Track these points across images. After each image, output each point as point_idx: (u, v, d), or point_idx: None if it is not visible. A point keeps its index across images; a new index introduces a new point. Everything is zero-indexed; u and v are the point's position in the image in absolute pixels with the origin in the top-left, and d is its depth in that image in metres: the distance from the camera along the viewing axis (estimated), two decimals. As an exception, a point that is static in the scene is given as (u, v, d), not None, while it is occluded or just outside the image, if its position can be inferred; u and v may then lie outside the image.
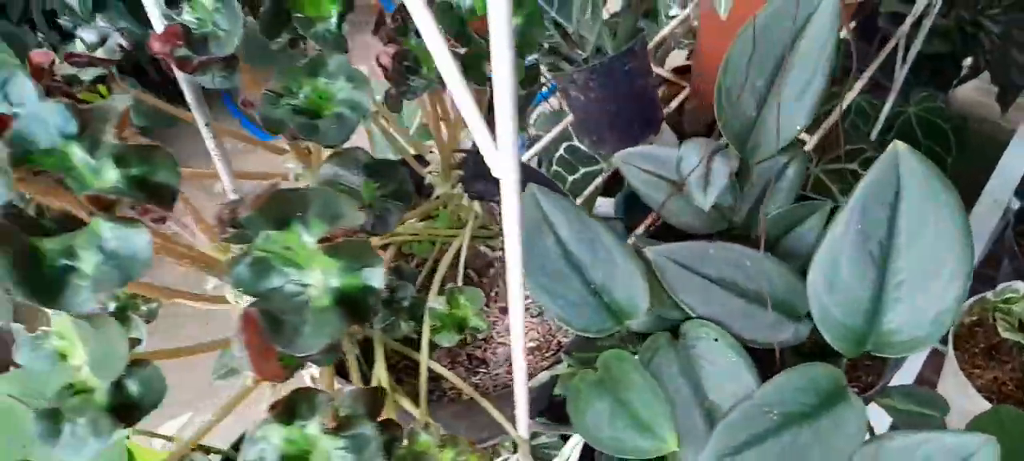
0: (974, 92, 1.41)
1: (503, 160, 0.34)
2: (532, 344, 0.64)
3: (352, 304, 0.33)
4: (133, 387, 0.41)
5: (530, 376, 0.60)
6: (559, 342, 0.63)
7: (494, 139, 0.34)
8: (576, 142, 1.02)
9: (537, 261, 0.56)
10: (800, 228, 0.67)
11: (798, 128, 0.66)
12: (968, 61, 1.39)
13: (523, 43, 0.51)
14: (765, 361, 0.57)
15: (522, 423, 0.51)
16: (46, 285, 0.31)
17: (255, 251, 0.35)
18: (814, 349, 0.59)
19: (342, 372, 0.56)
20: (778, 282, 0.61)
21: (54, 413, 0.39)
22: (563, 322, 0.56)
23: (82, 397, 0.40)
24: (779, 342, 0.59)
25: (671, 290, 0.58)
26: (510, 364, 0.63)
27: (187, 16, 0.46)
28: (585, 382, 0.56)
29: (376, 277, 0.33)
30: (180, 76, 0.49)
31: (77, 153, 0.33)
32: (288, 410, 0.36)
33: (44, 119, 0.32)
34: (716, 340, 0.56)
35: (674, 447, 0.50)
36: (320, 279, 0.35)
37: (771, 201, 0.69)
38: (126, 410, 0.40)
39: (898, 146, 0.53)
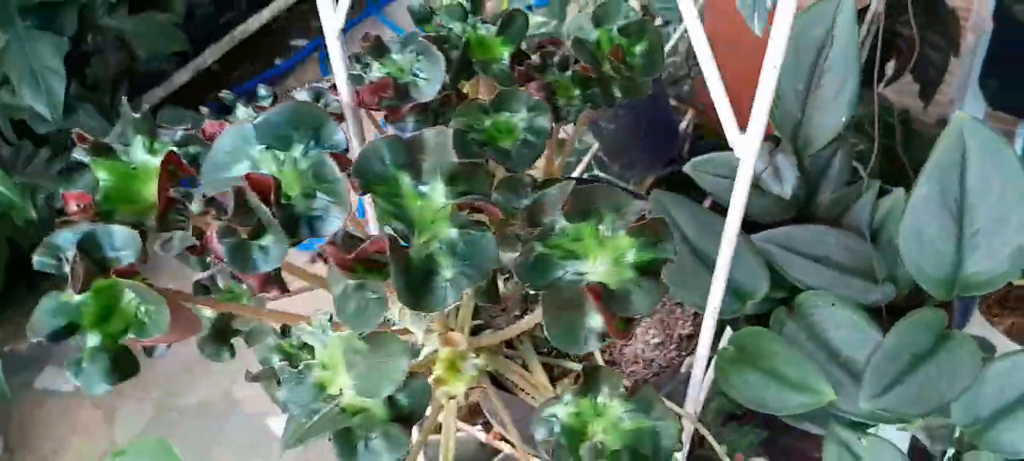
0: (893, 93, 1.57)
1: (748, 143, 0.41)
2: (656, 340, 0.69)
3: (650, 273, 0.38)
4: (404, 400, 0.44)
5: (666, 368, 0.65)
6: (680, 335, 0.69)
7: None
8: (596, 171, 1.09)
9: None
10: (855, 206, 0.76)
11: (842, 121, 0.75)
12: (890, 65, 1.56)
13: (648, 65, 0.58)
14: (869, 320, 0.65)
15: (691, 402, 0.57)
16: (417, 291, 0.34)
17: (537, 249, 0.40)
18: (904, 305, 0.67)
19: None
20: (857, 252, 0.70)
21: (346, 433, 0.42)
22: (698, 308, 0.62)
23: (363, 415, 0.43)
24: (873, 302, 0.67)
25: (781, 269, 0.66)
26: (636, 361, 0.68)
27: (376, 73, 0.50)
28: (724, 360, 0.62)
29: (669, 249, 0.38)
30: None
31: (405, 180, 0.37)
32: (587, 384, 0.41)
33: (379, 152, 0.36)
34: (833, 305, 0.63)
35: (832, 396, 0.57)
36: (601, 266, 0.40)
37: (825, 187, 0.78)
38: (402, 422, 0.43)
39: (962, 116, 0.62)
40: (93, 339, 0.42)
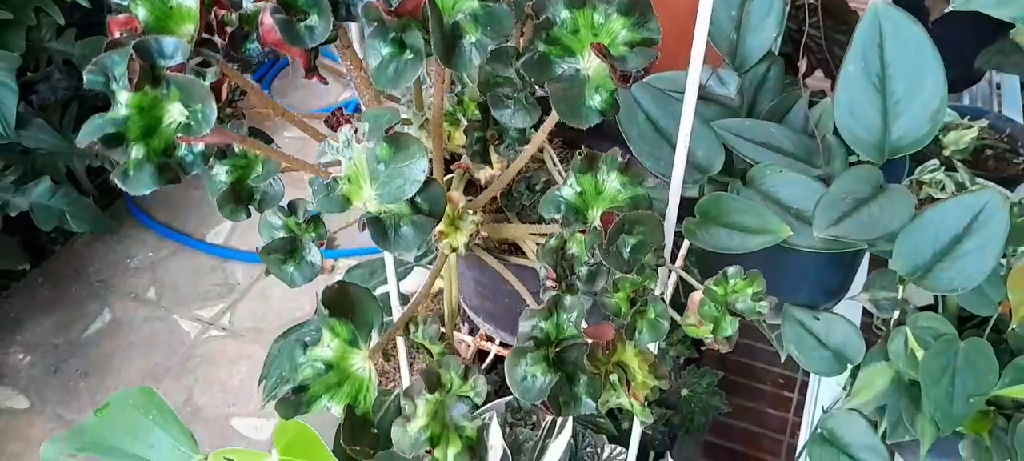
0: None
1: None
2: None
3: (640, 46, 0.45)
4: (423, 202, 0.49)
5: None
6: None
7: None
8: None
9: (636, 133, 0.69)
10: (789, 115, 0.85)
11: (772, 38, 0.85)
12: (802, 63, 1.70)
13: None
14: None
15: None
16: (449, 49, 0.40)
17: (539, 48, 0.46)
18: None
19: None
20: (798, 142, 0.78)
21: (377, 220, 0.47)
22: (663, 177, 0.69)
23: (391, 214, 0.48)
24: (815, 177, 0.75)
25: (733, 149, 0.73)
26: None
27: None
28: (692, 225, 0.69)
29: (655, 28, 0.45)
30: None
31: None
32: (589, 163, 0.47)
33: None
34: (781, 171, 0.71)
35: (788, 232, 0.64)
36: (595, 60, 0.46)
37: (763, 99, 0.87)
38: (423, 219, 0.48)
39: (877, 2, 0.72)
40: (138, 151, 0.46)
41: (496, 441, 1.08)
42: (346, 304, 0.47)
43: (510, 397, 1.32)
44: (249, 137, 0.58)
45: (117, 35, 0.47)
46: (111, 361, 1.73)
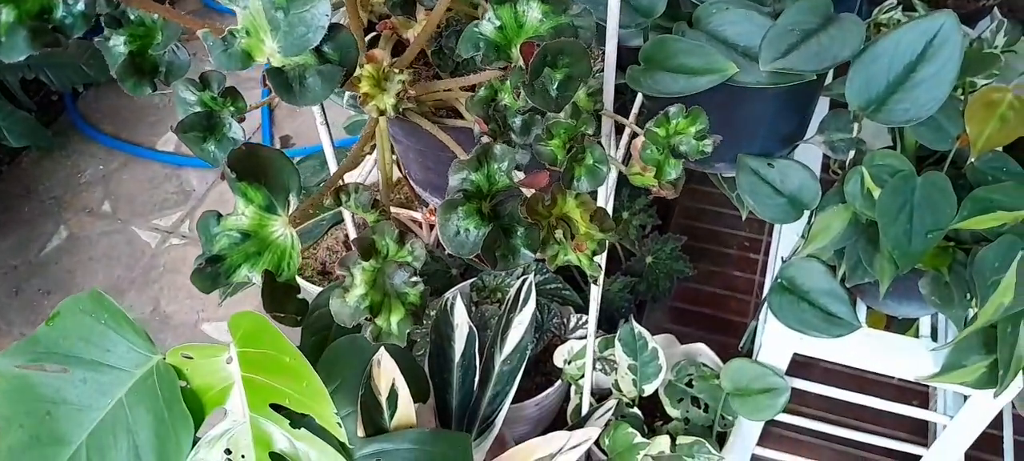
0: None
1: None
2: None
3: None
4: (332, 52, 0.45)
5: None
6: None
7: None
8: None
9: (573, -21, 0.65)
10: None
11: None
12: None
13: None
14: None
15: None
16: None
17: None
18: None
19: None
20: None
21: (279, 71, 0.43)
22: (601, 21, 0.65)
23: (295, 66, 0.44)
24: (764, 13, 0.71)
25: (677, -12, 0.69)
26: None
27: None
28: (635, 72, 0.66)
29: None
30: None
31: None
32: None
33: None
34: (727, 8, 0.67)
35: (734, 70, 0.61)
36: None
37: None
38: (331, 68, 0.45)
39: None
40: (8, 14, 0.41)
41: (461, 319, 1.07)
42: (257, 167, 0.44)
43: (475, 278, 1.31)
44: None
45: None
46: (72, 277, 1.70)
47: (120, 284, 1.69)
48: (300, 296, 0.45)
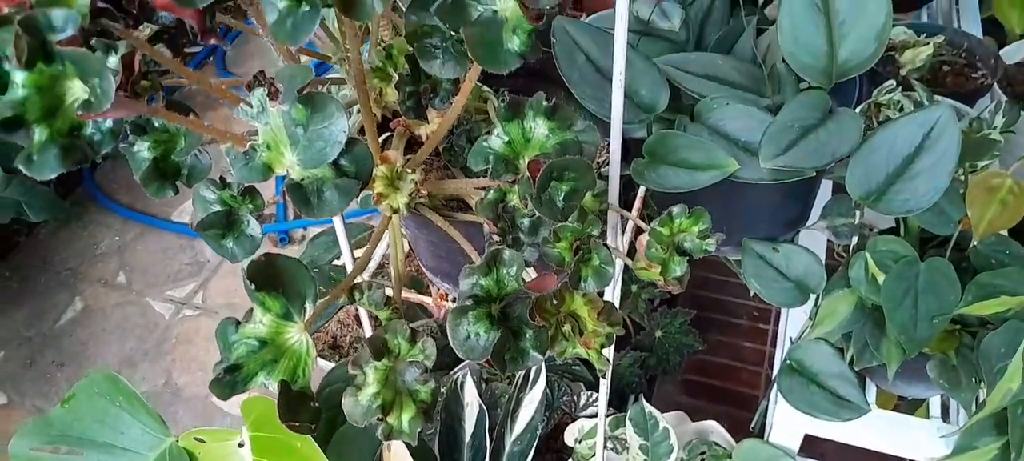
0: None
1: None
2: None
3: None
4: (348, 164, 0.47)
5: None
6: (597, 163, 0.75)
7: None
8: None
9: (577, 76, 0.67)
10: (737, 45, 0.83)
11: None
12: None
13: None
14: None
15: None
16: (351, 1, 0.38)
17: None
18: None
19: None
20: (746, 73, 0.76)
21: (298, 186, 0.45)
22: (605, 118, 0.67)
23: (313, 179, 0.46)
24: (764, 107, 0.73)
25: (678, 84, 0.72)
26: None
27: None
28: (640, 166, 0.68)
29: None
30: None
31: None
32: (514, 109, 0.45)
33: None
34: (727, 104, 0.69)
35: (735, 166, 0.63)
36: (510, 3, 0.44)
37: (710, 30, 0.85)
38: (348, 181, 0.47)
39: (816, -78, 0.70)
40: (41, 133, 0.44)
41: (471, 398, 1.07)
42: (275, 276, 0.46)
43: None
44: (164, 109, 0.56)
45: (5, 10, 0.44)
46: (86, 349, 1.72)
47: (133, 356, 1.70)
48: (314, 404, 0.46)
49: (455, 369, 1.38)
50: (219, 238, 0.62)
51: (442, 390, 1.33)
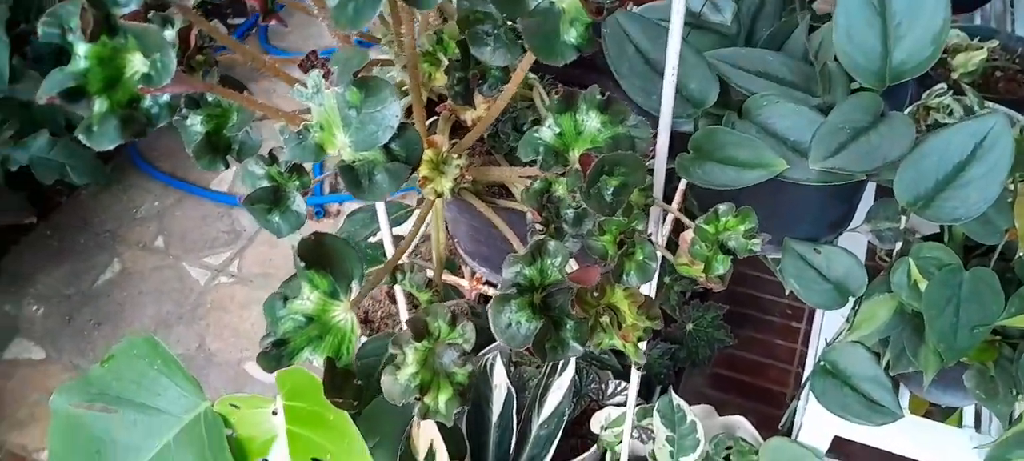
0: None
1: None
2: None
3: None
4: (399, 148, 0.47)
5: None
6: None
7: None
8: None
9: (626, 67, 0.67)
10: (788, 42, 0.82)
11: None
12: None
13: None
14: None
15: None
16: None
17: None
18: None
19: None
20: (796, 70, 0.75)
21: (350, 168, 0.45)
22: (654, 111, 0.67)
23: (364, 162, 0.46)
24: (813, 106, 0.72)
25: (728, 79, 0.71)
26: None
27: None
28: (685, 161, 0.67)
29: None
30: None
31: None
32: (568, 102, 0.45)
33: None
34: (777, 101, 0.69)
35: (784, 166, 0.62)
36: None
37: (761, 25, 0.84)
38: (398, 166, 0.47)
39: (877, -81, 0.68)
40: (101, 104, 0.44)
41: (500, 380, 1.08)
42: (324, 255, 0.46)
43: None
44: (219, 85, 0.57)
45: (72, -16, 0.45)
46: (122, 310, 1.75)
47: (169, 319, 1.73)
48: (356, 382, 0.47)
49: (484, 350, 1.39)
50: (266, 213, 0.63)
51: (471, 371, 1.34)
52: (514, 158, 0.68)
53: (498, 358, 1.06)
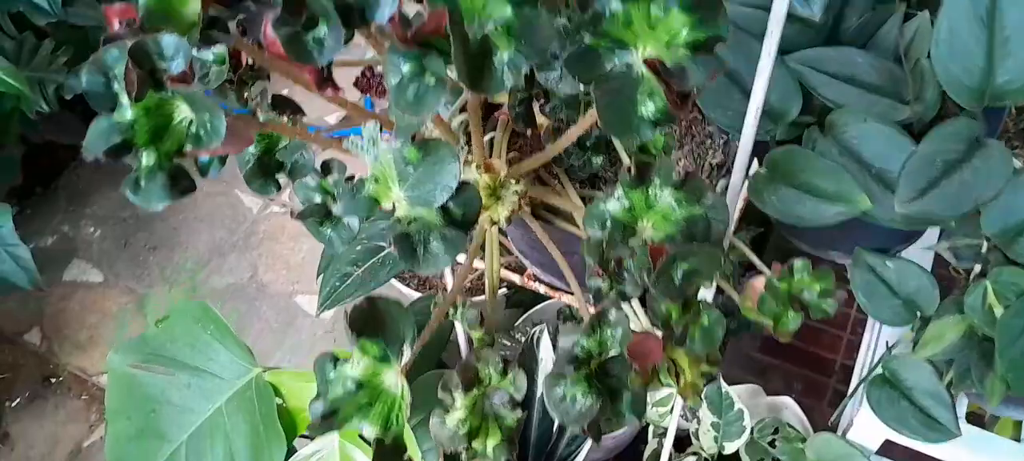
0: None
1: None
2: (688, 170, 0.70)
3: (703, 49, 0.38)
4: (456, 208, 0.45)
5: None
6: (710, 164, 0.70)
7: None
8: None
9: (700, 81, 0.62)
10: (879, 33, 0.76)
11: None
12: None
13: None
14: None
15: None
16: (476, 71, 0.35)
17: (586, 40, 0.39)
18: (930, 128, 0.68)
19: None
20: (886, 72, 0.69)
21: (405, 237, 0.43)
22: (732, 129, 0.62)
23: (418, 222, 0.44)
24: (902, 121, 0.67)
25: (812, 88, 0.66)
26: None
27: None
28: (758, 181, 0.63)
29: (723, 26, 0.38)
30: None
31: None
32: (641, 177, 0.41)
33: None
34: (865, 121, 0.63)
35: (868, 205, 0.58)
36: (651, 52, 0.40)
37: (851, 14, 0.77)
38: (456, 229, 0.44)
39: (993, -80, 0.61)
40: (148, 158, 0.42)
41: (547, 354, 1.07)
42: (376, 319, 0.45)
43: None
44: (272, 112, 0.54)
45: (116, 26, 0.43)
46: (177, 235, 1.78)
47: (222, 247, 1.76)
48: (406, 456, 0.46)
49: (533, 310, 1.38)
50: (318, 225, 0.61)
51: (519, 336, 1.34)
52: (574, 174, 0.65)
53: (545, 332, 1.05)
